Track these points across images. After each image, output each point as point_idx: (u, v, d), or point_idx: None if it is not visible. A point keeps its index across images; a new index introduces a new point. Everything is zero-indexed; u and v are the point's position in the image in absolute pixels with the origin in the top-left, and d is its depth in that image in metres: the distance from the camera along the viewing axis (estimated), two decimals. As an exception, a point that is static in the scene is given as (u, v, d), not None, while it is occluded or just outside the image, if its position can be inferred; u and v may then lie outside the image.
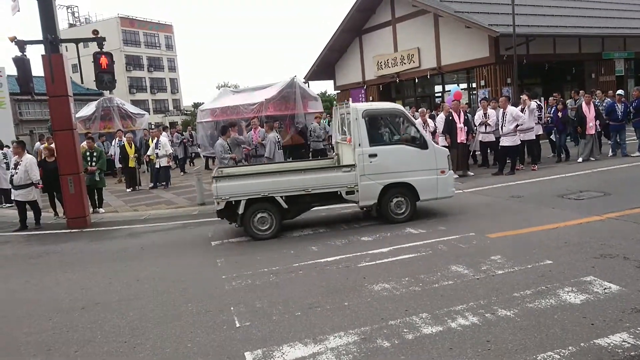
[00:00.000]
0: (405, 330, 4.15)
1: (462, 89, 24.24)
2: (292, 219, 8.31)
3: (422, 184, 8.08)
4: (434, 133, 13.18)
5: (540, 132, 13.66)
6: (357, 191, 7.95)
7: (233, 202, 7.77)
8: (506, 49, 20.27)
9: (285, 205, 7.84)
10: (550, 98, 15.64)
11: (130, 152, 15.70)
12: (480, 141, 13.59)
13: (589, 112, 13.14)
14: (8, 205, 13.55)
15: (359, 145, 7.91)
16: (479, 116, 13.24)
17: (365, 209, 8.57)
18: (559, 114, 13.75)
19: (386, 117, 8.76)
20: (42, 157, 11.53)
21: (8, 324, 5.14)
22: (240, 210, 7.72)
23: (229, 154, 10.75)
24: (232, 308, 5.01)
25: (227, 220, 8.23)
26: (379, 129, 8.76)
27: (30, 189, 10.50)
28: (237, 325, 4.58)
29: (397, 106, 9.06)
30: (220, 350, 4.10)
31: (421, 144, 8.18)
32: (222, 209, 7.84)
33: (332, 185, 7.94)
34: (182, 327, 4.65)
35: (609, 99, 15.60)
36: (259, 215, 7.80)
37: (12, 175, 10.61)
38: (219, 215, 8.08)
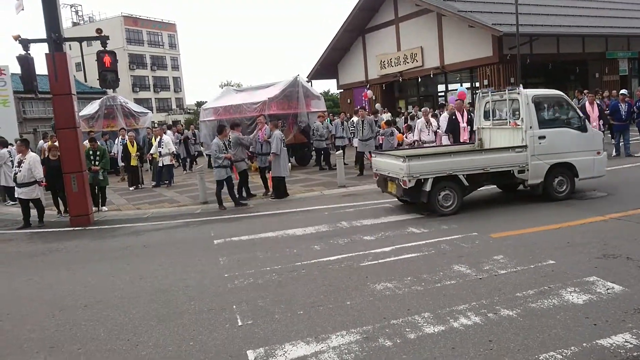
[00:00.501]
0: (407, 329, 4.15)
1: (466, 89, 24.27)
2: (466, 196, 8.75)
3: (582, 164, 8.81)
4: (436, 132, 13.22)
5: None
6: (528, 170, 8.58)
7: (422, 180, 8.20)
8: (509, 48, 20.26)
9: (466, 183, 8.43)
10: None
11: (132, 150, 15.73)
12: None
13: (593, 112, 13.11)
14: (12, 203, 13.60)
15: (530, 127, 8.61)
16: None
17: (528, 187, 8.94)
18: None
19: (550, 102, 9.33)
20: (46, 155, 11.54)
21: (11, 322, 5.16)
22: (428, 188, 8.19)
23: (224, 153, 10.79)
24: (234, 306, 5.02)
25: (409, 200, 8.75)
26: (545, 113, 9.24)
27: (34, 187, 10.53)
28: (240, 323, 4.59)
29: (560, 92, 9.50)
30: (222, 348, 4.11)
31: (582, 127, 8.88)
32: (410, 188, 8.21)
33: (507, 165, 8.56)
34: (184, 325, 4.66)
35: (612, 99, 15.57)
36: (443, 193, 8.33)
37: (15, 173, 10.63)
38: (404, 194, 8.46)
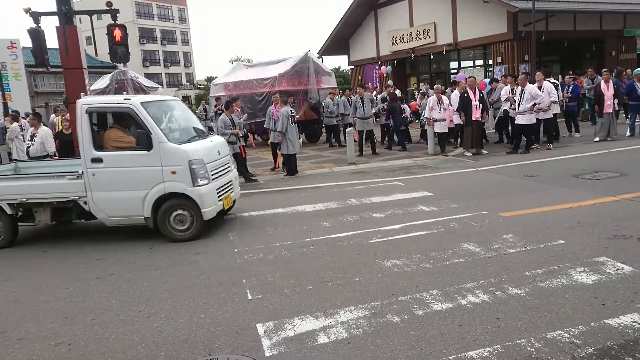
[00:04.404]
0: (415, 306, 4.19)
1: (477, 66, 23.92)
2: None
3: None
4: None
5: (557, 110, 13.43)
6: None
7: None
8: (525, 25, 19.86)
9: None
10: (566, 77, 15.36)
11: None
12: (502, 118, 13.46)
13: (607, 90, 12.88)
14: None
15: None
16: (505, 92, 13.05)
17: None
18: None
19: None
20: (59, 129, 11.60)
21: (26, 292, 5.27)
22: None
23: (231, 129, 10.77)
24: (244, 281, 5.08)
25: None
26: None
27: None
28: (249, 297, 4.65)
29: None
30: (232, 321, 4.18)
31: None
32: None
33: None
34: (195, 298, 4.74)
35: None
36: None
37: (28, 147, 10.73)
38: None
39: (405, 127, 14.90)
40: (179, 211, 6.78)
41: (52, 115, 19.48)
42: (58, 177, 6.99)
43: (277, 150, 12.16)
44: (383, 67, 26.89)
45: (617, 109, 13.40)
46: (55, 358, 3.81)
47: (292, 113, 11.69)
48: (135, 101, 6.83)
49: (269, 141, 12.95)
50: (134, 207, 6.77)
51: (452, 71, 26.01)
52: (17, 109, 16.28)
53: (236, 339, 3.88)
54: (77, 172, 6.88)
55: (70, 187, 6.86)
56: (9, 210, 7.05)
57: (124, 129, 7.11)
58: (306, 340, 3.76)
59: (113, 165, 6.73)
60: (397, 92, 19.55)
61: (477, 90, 12.58)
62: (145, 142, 6.64)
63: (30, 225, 7.61)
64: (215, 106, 18.07)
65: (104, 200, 6.81)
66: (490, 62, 22.61)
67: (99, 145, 6.80)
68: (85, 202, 6.87)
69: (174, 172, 6.66)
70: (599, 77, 14.20)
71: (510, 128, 13.56)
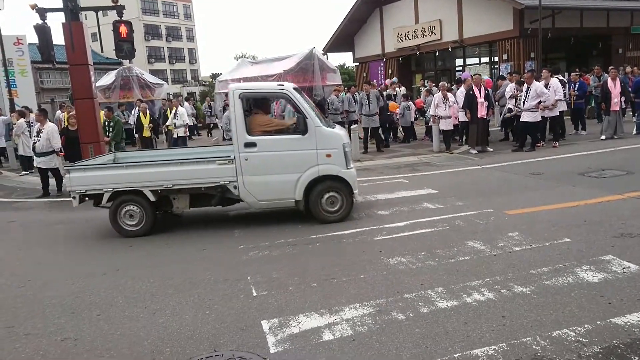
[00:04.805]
0: (420, 303, 4.18)
1: (483, 63, 23.83)
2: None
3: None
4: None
5: (564, 108, 13.37)
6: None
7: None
8: (531, 22, 19.75)
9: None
10: (572, 74, 15.27)
11: (145, 121, 15.78)
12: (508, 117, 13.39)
13: (614, 88, 12.79)
14: (25, 173, 13.96)
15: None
16: (510, 89, 13.00)
17: None
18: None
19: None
20: (65, 125, 11.64)
21: (32, 288, 5.30)
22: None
23: None
24: (249, 277, 5.09)
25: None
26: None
27: (52, 156, 10.67)
28: (254, 294, 4.66)
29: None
30: (237, 318, 4.19)
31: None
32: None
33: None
34: (200, 294, 4.75)
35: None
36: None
37: (34, 143, 10.79)
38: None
39: (390, 125, 15.21)
40: (332, 193, 7.01)
41: (58, 112, 19.54)
42: (208, 162, 7.02)
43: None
44: (388, 80, 26.76)
45: (623, 106, 13.32)
46: (62, 353, 3.83)
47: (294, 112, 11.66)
48: (288, 86, 7.15)
49: None
50: (286, 190, 6.93)
51: (457, 68, 25.92)
52: (22, 105, 16.33)
53: (241, 335, 3.88)
54: (229, 156, 6.94)
55: (221, 172, 6.90)
56: (151, 197, 6.98)
57: (265, 114, 7.33)
58: (311, 337, 3.77)
59: (267, 149, 6.87)
60: (402, 89, 19.52)
61: (482, 88, 12.54)
62: (302, 126, 6.85)
63: (167, 213, 7.60)
64: (224, 101, 18.09)
65: (255, 184, 6.92)
66: (496, 59, 22.52)
67: (250, 130, 6.90)
68: (235, 187, 6.92)
69: (328, 155, 6.88)
70: (606, 74, 14.12)
71: (515, 124, 13.50)
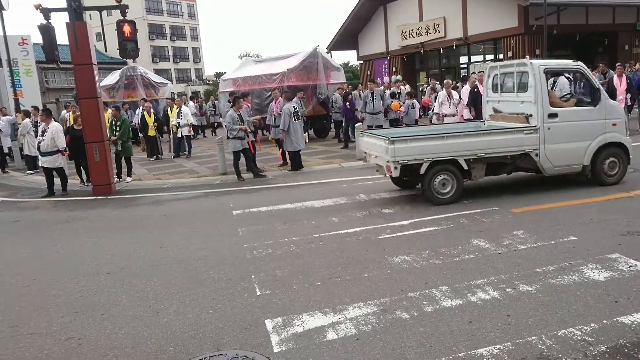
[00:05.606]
0: (424, 302, 4.16)
1: (488, 61, 23.70)
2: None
3: None
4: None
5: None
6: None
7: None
8: (536, 18, 19.67)
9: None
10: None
11: (150, 120, 15.81)
12: None
13: (620, 85, 12.71)
14: (29, 172, 14.03)
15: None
16: None
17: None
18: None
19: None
20: (70, 125, 11.67)
21: (37, 287, 5.31)
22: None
23: (239, 124, 10.76)
24: (252, 276, 5.08)
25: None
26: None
27: (57, 156, 10.70)
28: (258, 293, 4.65)
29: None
30: (241, 317, 4.18)
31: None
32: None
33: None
34: (204, 293, 4.74)
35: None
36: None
37: (39, 142, 10.82)
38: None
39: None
40: (612, 159, 7.79)
41: (63, 112, 19.62)
42: (516, 132, 7.56)
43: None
44: (387, 78, 26.69)
45: (629, 103, 13.21)
46: (65, 353, 3.83)
47: (296, 109, 11.58)
48: (581, 63, 7.94)
49: (270, 137, 12.96)
50: (577, 157, 7.67)
51: (462, 66, 25.84)
52: (27, 105, 16.38)
53: (245, 334, 3.87)
54: (534, 126, 7.51)
55: (527, 140, 7.49)
56: (464, 166, 7.43)
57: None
58: (315, 336, 3.75)
59: (566, 119, 7.58)
60: (407, 87, 19.48)
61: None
62: (595, 98, 7.69)
63: (468, 181, 7.86)
64: (230, 99, 18.10)
65: (554, 151, 7.56)
66: (501, 56, 22.42)
67: (551, 102, 7.61)
68: (536, 154, 7.53)
69: (614, 124, 7.75)
70: (611, 71, 14.01)
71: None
